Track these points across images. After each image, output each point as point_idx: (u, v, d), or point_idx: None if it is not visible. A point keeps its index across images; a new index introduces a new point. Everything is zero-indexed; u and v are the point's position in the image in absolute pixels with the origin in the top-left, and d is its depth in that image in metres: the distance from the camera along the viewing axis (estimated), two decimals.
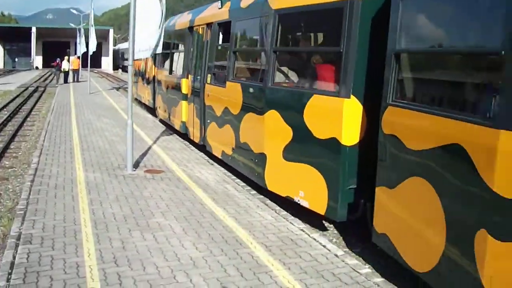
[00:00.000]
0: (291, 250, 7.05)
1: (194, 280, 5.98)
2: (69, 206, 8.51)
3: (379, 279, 6.28)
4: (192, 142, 14.70)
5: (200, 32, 14.37)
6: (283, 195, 9.01)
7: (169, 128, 17.44)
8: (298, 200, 8.54)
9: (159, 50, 12.32)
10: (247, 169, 10.48)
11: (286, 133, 8.74)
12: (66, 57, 46.07)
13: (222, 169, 11.75)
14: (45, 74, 62.23)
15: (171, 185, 10.13)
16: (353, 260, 6.88)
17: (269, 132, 9.32)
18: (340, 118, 7.64)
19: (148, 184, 10.08)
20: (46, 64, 78.95)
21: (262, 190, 9.92)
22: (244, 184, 10.48)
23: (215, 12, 13.06)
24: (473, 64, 5.60)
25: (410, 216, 6.09)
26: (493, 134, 4.70)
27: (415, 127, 6.01)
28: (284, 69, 9.73)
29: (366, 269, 6.58)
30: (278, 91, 9.27)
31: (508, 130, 4.56)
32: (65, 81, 43.84)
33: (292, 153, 8.70)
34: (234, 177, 11.01)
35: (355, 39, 7.52)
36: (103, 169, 11.25)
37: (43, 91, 37.23)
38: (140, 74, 25.51)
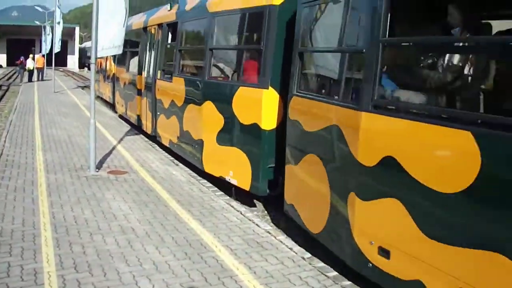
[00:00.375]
0: (256, 253, 6.85)
1: (156, 286, 5.77)
2: (29, 209, 8.20)
3: (347, 283, 6.12)
4: (157, 142, 14.46)
5: (152, 32, 15.49)
6: (217, 175, 10.13)
7: (135, 128, 17.13)
8: (229, 179, 9.66)
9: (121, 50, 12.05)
10: (189, 155, 11.62)
11: (219, 121, 9.96)
12: (31, 55, 45.13)
13: (187, 169, 11.54)
14: (9, 73, 60.51)
15: (134, 186, 9.87)
16: (320, 263, 6.66)
17: (206, 120, 10.53)
18: (260, 106, 8.86)
19: (111, 186, 9.80)
20: (10, 63, 77.27)
21: (227, 191, 9.76)
22: (209, 185, 10.27)
23: (165, 14, 14.21)
24: (347, 61, 6.70)
25: (307, 187, 7.33)
26: (357, 115, 5.89)
27: (310, 113, 7.27)
28: (220, 64, 10.85)
29: (334, 272, 6.37)
30: (212, 84, 10.51)
31: (366, 111, 5.74)
32: (30, 79, 42.93)
33: (223, 138, 9.92)
34: (200, 178, 10.80)
35: (273, 38, 8.69)
36: (65, 170, 10.93)
37: (7, 90, 36.30)
38: (102, 72, 25.88)
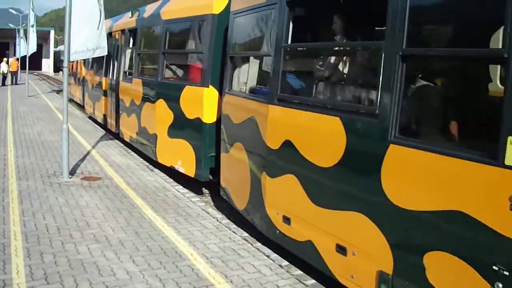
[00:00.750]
0: (233, 261, 6.70)
1: None
2: None
3: None
4: (131, 147, 14.25)
5: (116, 37, 16.64)
6: (168, 165, 11.42)
7: (109, 133, 16.90)
8: (178, 168, 10.93)
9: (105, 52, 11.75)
10: (145, 148, 12.87)
11: (169, 116, 11.31)
12: (4, 59, 44.40)
13: (163, 174, 11.39)
14: None
15: (108, 193, 9.66)
16: (298, 270, 6.55)
17: (159, 116, 11.85)
18: (201, 102, 10.15)
19: (85, 192, 9.59)
20: None
21: (203, 197, 9.60)
22: (185, 190, 10.14)
23: (127, 21, 15.36)
24: (260, 63, 7.99)
25: (235, 171, 8.58)
26: (266, 108, 7.13)
27: (236, 107, 8.51)
28: (171, 66, 12.10)
29: (312, 280, 6.28)
30: (164, 85, 11.88)
31: (272, 104, 6.99)
32: (3, 83, 42.32)
33: (173, 131, 11.27)
34: (175, 183, 10.67)
35: (213, 43, 9.88)
36: (38, 176, 10.69)
37: None
38: (73, 75, 26.79)
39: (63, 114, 10.67)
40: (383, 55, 5.13)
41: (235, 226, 8.18)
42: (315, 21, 7.38)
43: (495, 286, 4.05)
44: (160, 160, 11.94)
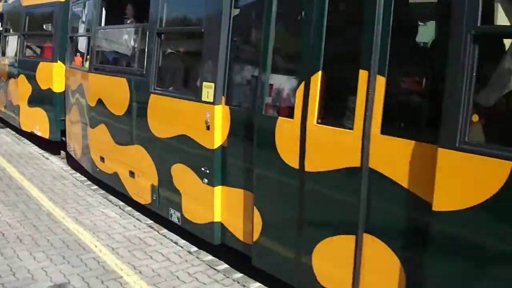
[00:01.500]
0: (140, 250, 6.32)
1: None
2: None
3: (239, 275, 5.81)
4: (25, 135, 13.30)
5: None
6: (29, 131, 13.06)
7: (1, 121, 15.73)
8: (36, 132, 12.69)
9: None
10: (11, 119, 14.36)
11: (28, 89, 12.88)
12: None
13: (60, 163, 10.78)
14: None
15: (1, 185, 8.86)
16: (209, 256, 6.28)
17: (20, 89, 13.39)
18: (51, 75, 11.99)
19: None
20: None
21: (103, 184, 9.02)
22: (84, 179, 9.56)
23: None
24: (86, 41, 9.86)
25: (73, 128, 10.49)
26: (87, 75, 9.11)
27: (72, 78, 10.53)
28: (33, 46, 13.79)
29: (224, 265, 6.02)
30: (24, 62, 13.42)
31: (91, 72, 8.99)
32: None
33: (31, 101, 12.86)
34: (73, 171, 10.07)
35: (59, 26, 11.68)
36: None
37: None
38: None
39: None
40: (147, 32, 7.32)
41: (138, 213, 7.72)
42: (119, 8, 8.93)
43: (203, 180, 6.21)
44: (23, 128, 13.45)
